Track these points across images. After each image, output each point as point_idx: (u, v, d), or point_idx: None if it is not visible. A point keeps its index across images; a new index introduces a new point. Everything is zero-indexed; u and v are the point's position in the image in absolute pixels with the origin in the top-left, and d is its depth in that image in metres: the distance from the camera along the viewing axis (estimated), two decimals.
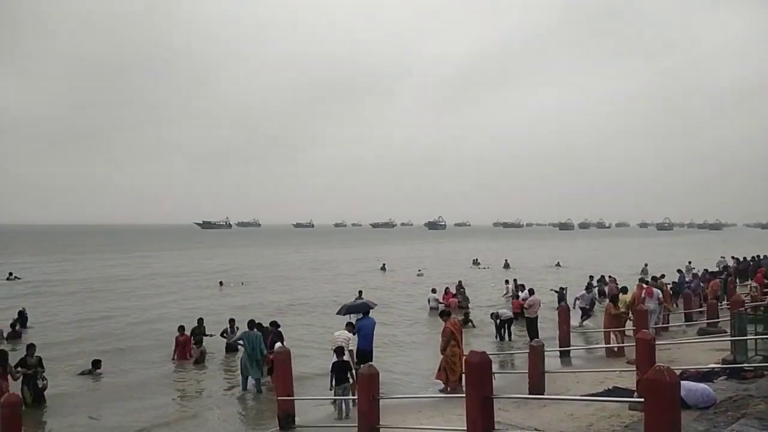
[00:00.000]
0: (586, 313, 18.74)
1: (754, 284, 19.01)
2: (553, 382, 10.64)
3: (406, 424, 8.40)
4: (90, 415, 10.61)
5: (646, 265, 35.17)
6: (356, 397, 8.44)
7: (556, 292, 22.21)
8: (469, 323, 18.54)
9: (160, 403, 11.31)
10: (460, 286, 24.60)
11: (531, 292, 17.98)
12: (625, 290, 15.91)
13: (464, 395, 6.29)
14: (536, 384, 10.07)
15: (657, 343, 9.38)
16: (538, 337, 14.17)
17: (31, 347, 11.43)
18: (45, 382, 11.07)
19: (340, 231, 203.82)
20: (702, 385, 7.62)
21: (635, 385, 8.83)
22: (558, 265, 44.70)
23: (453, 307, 20.25)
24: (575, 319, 18.19)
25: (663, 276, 21.21)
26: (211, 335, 15.48)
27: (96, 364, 13.50)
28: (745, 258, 31.28)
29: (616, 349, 13.44)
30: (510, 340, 16.62)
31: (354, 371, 9.93)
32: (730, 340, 10.09)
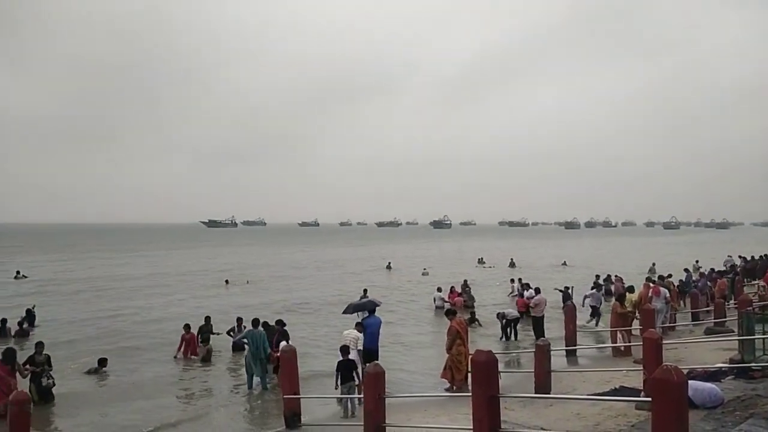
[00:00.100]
0: (597, 313, 18.65)
1: (761, 283, 18.90)
2: (560, 382, 10.62)
3: (412, 423, 8.39)
4: (97, 414, 10.64)
5: (653, 264, 35.04)
6: (362, 395, 8.44)
7: (561, 291, 22.15)
8: (476, 322, 18.52)
9: (166, 402, 11.35)
10: (465, 285, 24.57)
11: (537, 291, 17.96)
12: (631, 289, 15.86)
13: (470, 394, 6.28)
14: (542, 383, 10.05)
15: (664, 342, 9.34)
16: (544, 336, 14.17)
17: (39, 345, 11.51)
18: (51, 380, 11.10)
19: (346, 230, 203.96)
20: (709, 385, 7.59)
21: (642, 385, 8.81)
22: (564, 264, 44.58)
23: (458, 306, 20.25)
24: (584, 318, 18.19)
25: (670, 275, 21.12)
26: (218, 333, 15.53)
27: (102, 362, 13.56)
28: (752, 257, 31.14)
29: (622, 348, 13.39)
30: (516, 339, 16.59)
31: (361, 371, 9.93)
32: (738, 340, 10.03)
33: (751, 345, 9.34)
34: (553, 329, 16.54)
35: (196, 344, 14.85)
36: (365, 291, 22.49)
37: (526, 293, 20.44)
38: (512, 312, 17.17)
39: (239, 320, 15.31)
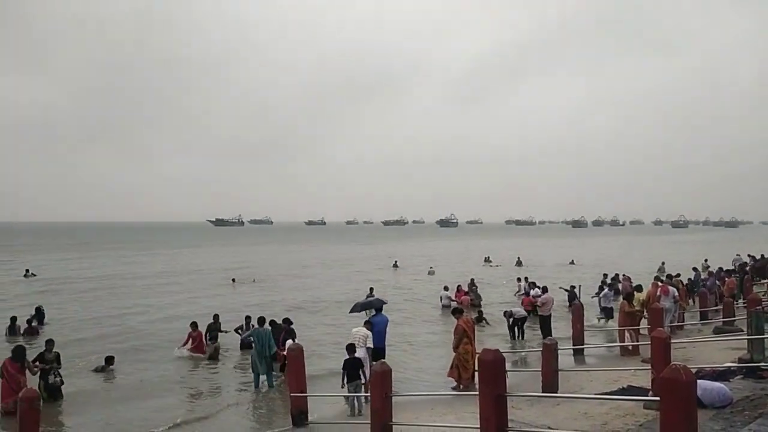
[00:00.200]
0: (610, 314, 18.54)
1: None
2: (567, 381, 10.58)
3: (419, 422, 8.39)
4: (104, 412, 10.69)
5: (663, 263, 34.85)
6: (369, 394, 8.45)
7: (566, 291, 22.10)
8: (483, 321, 18.48)
9: (174, 401, 11.39)
10: (472, 283, 24.53)
11: (545, 290, 17.91)
12: (639, 288, 15.77)
13: (477, 393, 6.27)
14: (549, 382, 10.02)
15: (672, 341, 9.29)
16: (551, 335, 14.13)
17: (49, 342, 11.55)
18: (59, 378, 11.14)
19: (352, 229, 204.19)
20: (718, 384, 7.53)
21: (650, 384, 8.76)
22: (572, 263, 44.43)
23: (465, 305, 20.21)
24: (595, 317, 18.17)
25: (678, 275, 21.00)
26: (226, 331, 15.61)
27: (109, 360, 13.64)
28: (762, 255, 30.82)
29: (630, 347, 13.33)
30: (523, 338, 16.55)
31: (369, 369, 9.92)
32: (747, 339, 9.94)
33: (760, 344, 9.25)
34: (561, 328, 16.49)
35: (203, 342, 14.92)
36: (371, 289, 22.52)
37: (532, 292, 20.40)
38: (520, 311, 17.12)
39: (248, 318, 15.37)
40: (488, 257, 47.32)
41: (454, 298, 22.54)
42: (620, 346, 13.76)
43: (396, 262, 43.65)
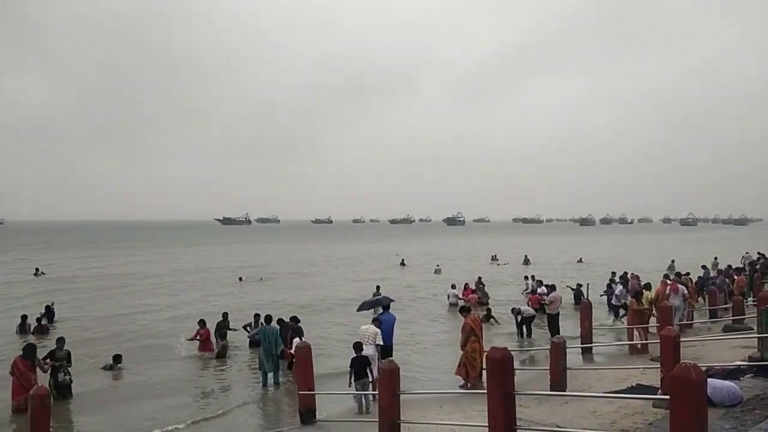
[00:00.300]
0: (616, 311, 18.45)
1: None
2: (575, 379, 10.55)
3: (427, 420, 8.38)
4: (113, 411, 10.74)
5: (673, 261, 34.68)
6: (376, 392, 8.46)
7: (572, 289, 22.02)
8: (492, 319, 18.45)
9: (182, 400, 11.41)
10: (479, 282, 24.50)
11: (553, 288, 17.85)
12: (648, 286, 15.69)
13: (485, 391, 6.27)
14: (558, 380, 10.00)
15: (681, 340, 9.24)
16: (559, 334, 14.09)
17: (60, 341, 11.60)
18: (68, 376, 11.20)
19: (359, 227, 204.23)
20: (728, 383, 7.49)
21: (659, 383, 8.71)
22: (580, 261, 44.25)
23: (473, 303, 20.18)
24: (609, 316, 18.10)
25: (688, 273, 20.88)
26: (234, 329, 15.66)
27: (117, 358, 13.69)
28: None
29: (639, 346, 13.27)
30: (530, 337, 16.51)
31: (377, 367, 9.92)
32: (757, 337, 9.87)
33: None
34: (569, 327, 16.44)
35: (210, 340, 14.98)
36: (378, 288, 22.55)
37: (539, 290, 20.35)
38: (528, 309, 17.08)
39: (256, 316, 15.43)
40: (495, 255, 47.22)
41: (461, 296, 22.52)
42: (629, 344, 13.72)
43: (403, 260, 43.65)
